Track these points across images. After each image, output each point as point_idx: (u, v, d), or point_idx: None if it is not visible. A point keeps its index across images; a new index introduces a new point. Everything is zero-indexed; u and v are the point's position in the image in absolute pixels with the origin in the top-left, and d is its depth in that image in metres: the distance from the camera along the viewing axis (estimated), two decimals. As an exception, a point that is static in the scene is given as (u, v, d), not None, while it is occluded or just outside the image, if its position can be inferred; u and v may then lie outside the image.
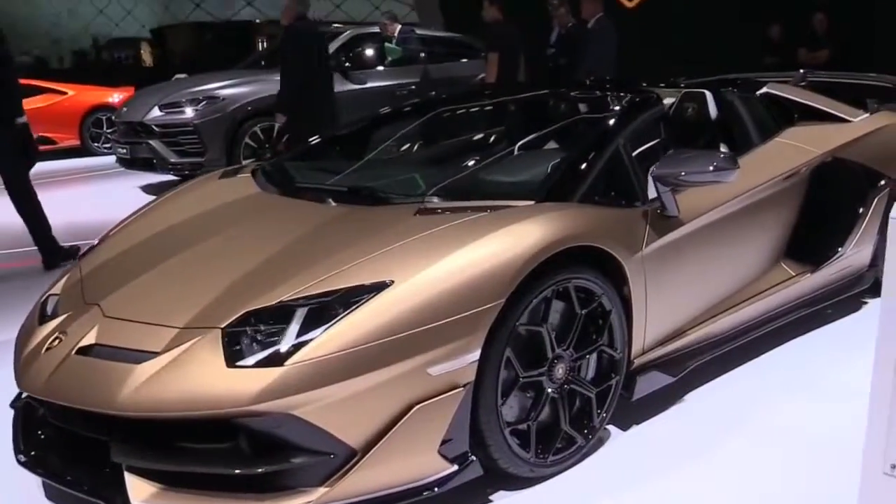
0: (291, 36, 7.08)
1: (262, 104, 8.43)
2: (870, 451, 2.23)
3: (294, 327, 2.69)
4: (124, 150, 9.08)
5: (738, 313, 3.88)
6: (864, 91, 5.41)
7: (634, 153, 3.65)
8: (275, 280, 2.91)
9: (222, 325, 2.76)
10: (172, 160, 8.65)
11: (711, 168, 3.39)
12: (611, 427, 3.46)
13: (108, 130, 12.16)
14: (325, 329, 2.66)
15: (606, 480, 3.16)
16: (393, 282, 2.77)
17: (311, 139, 4.60)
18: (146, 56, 24.32)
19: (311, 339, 2.65)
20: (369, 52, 9.97)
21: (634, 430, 3.47)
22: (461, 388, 2.81)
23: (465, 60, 10.64)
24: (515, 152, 3.98)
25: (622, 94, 4.09)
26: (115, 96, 13.05)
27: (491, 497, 3.07)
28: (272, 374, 2.59)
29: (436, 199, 3.38)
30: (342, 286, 2.80)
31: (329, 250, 3.06)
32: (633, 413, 3.53)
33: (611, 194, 3.50)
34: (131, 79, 14.61)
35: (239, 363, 2.65)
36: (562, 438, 3.20)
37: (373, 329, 2.69)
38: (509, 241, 2.95)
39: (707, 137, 4.34)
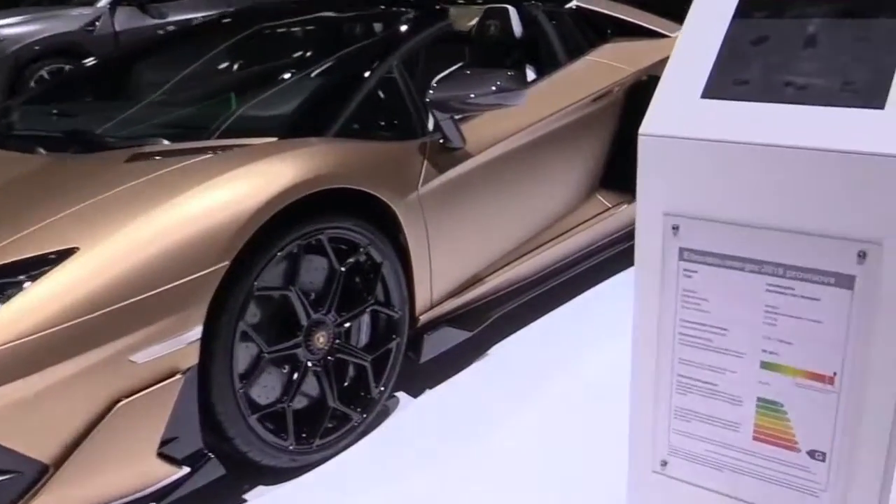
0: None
1: (50, 44, 7.51)
2: (636, 449, 1.82)
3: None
4: None
5: (547, 253, 3.45)
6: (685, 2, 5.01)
7: (427, 79, 3.11)
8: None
9: None
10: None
11: (494, 89, 2.90)
12: (400, 395, 2.99)
13: None
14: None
15: (392, 459, 2.71)
16: (78, 249, 2.19)
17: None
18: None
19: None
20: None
21: (426, 397, 3.02)
22: (180, 375, 2.27)
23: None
24: (273, 81, 3.39)
25: (402, 10, 3.54)
26: None
27: (245, 497, 2.57)
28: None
29: (160, 142, 2.78)
30: (12, 259, 2.20)
31: (15, 211, 2.44)
32: (424, 377, 3.07)
33: (380, 126, 2.98)
34: None
35: None
36: (332, 417, 2.72)
37: (52, 311, 2.11)
38: (235, 188, 2.40)
39: (513, 58, 3.85)
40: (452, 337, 3.07)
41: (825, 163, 1.56)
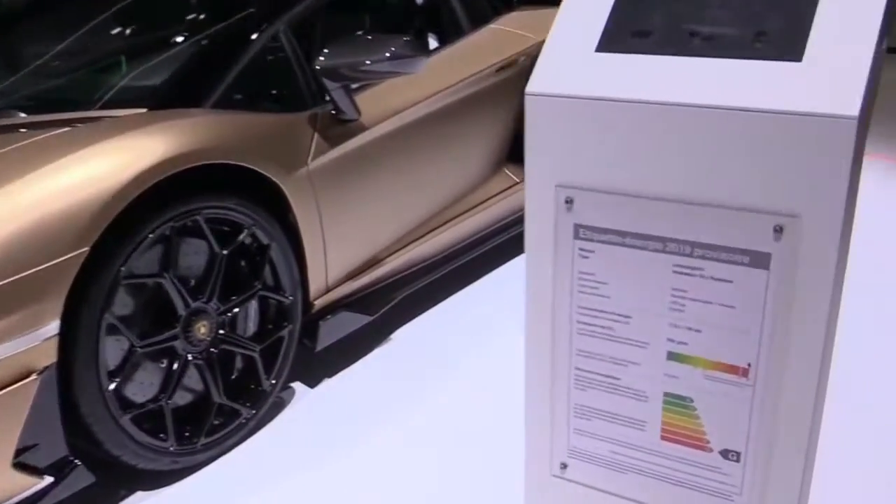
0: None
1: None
2: (533, 451, 1.56)
3: None
4: None
5: (452, 231, 3.17)
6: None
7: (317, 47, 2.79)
8: None
9: None
10: None
11: (388, 55, 2.59)
12: (296, 385, 2.69)
13: None
14: None
15: (285, 456, 2.42)
16: None
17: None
18: None
19: None
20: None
21: (324, 387, 2.73)
22: (36, 376, 1.94)
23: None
24: (149, 49, 3.01)
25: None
26: None
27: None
28: None
29: (16, 114, 2.42)
30: None
31: None
32: (322, 365, 2.77)
33: (265, 96, 2.65)
34: None
35: None
36: (218, 414, 2.41)
37: None
38: (96, 164, 2.06)
39: (414, 26, 3.54)
40: (351, 322, 2.78)
41: (736, 123, 1.30)
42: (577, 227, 1.46)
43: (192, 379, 2.39)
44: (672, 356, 1.46)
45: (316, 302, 2.65)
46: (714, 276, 1.39)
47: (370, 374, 2.78)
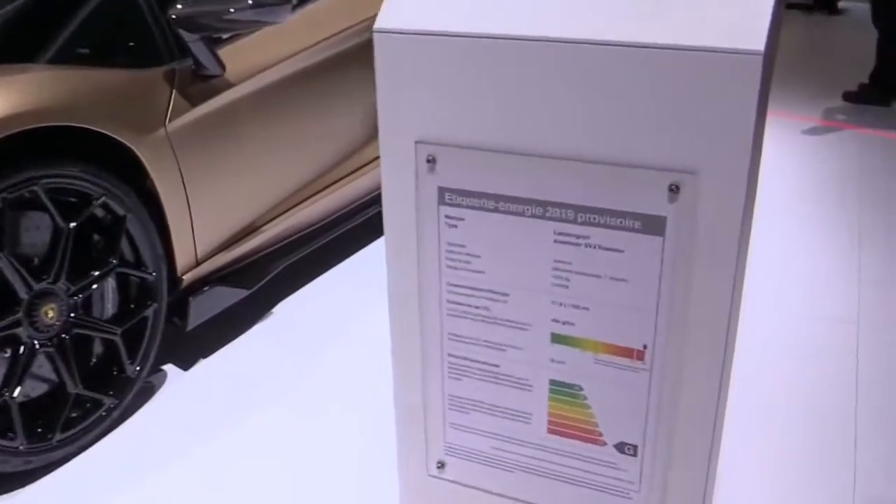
0: None
1: None
2: (406, 449, 1.29)
3: None
4: None
5: (332, 197, 2.84)
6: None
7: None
8: None
9: None
10: None
11: (250, 3, 2.24)
12: (168, 368, 2.37)
13: None
14: None
15: (155, 445, 2.10)
16: None
17: None
18: None
19: None
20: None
21: (199, 368, 2.40)
22: None
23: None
24: None
25: None
26: None
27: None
28: None
29: None
30: None
31: None
32: (197, 344, 2.45)
33: (114, 50, 2.27)
34: None
35: None
36: (76, 405, 2.07)
37: None
38: None
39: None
40: (226, 297, 2.45)
41: (624, 62, 1.03)
42: (442, 190, 1.17)
43: (44, 368, 2.04)
44: (557, 339, 1.19)
45: (184, 277, 2.32)
46: (602, 244, 1.12)
47: (249, 352, 2.46)
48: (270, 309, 2.65)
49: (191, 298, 2.34)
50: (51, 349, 2.02)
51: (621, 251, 1.11)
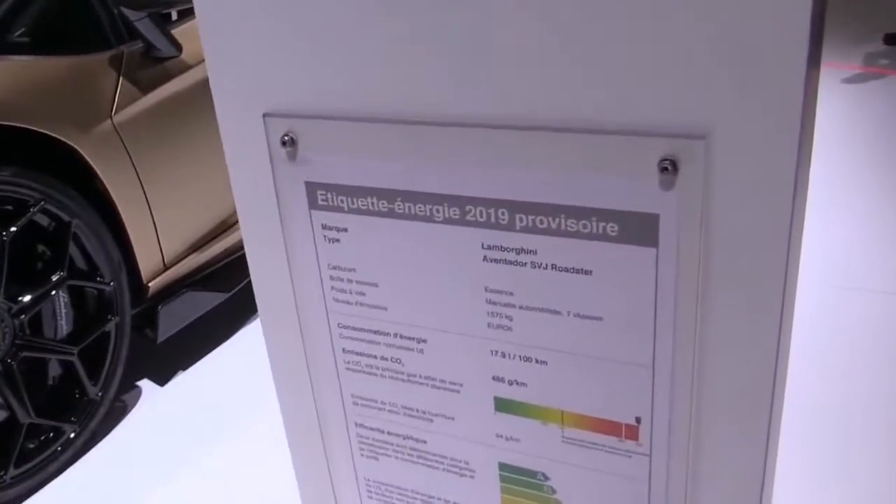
0: None
1: None
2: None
3: None
4: None
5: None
6: None
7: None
8: None
9: None
10: None
11: (197, -30, 1.73)
12: (142, 384, 1.93)
13: None
14: None
15: (125, 473, 1.66)
16: None
17: None
18: None
19: None
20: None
21: (177, 383, 1.96)
22: None
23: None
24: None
25: None
26: None
27: None
28: None
29: None
30: None
31: None
32: (173, 357, 2.00)
33: (49, 35, 1.82)
34: None
35: None
36: (31, 436, 1.66)
37: None
38: None
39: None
40: (201, 303, 2.00)
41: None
42: (312, 187, 0.67)
43: (-7, 398, 1.63)
44: (503, 405, 0.69)
45: (150, 284, 1.87)
46: (557, 263, 0.61)
47: (231, 362, 2.01)
48: (254, 313, 2.18)
49: (160, 307, 1.90)
50: (-6, 377, 1.60)
51: (588, 272, 0.60)
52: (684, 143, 0.52)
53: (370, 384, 0.73)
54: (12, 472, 1.63)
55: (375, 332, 0.70)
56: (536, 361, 0.65)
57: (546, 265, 0.61)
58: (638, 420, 0.63)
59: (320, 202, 0.67)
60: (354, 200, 0.65)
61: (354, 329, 0.71)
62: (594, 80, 0.54)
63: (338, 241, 0.68)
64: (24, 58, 1.69)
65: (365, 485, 0.78)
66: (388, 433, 0.75)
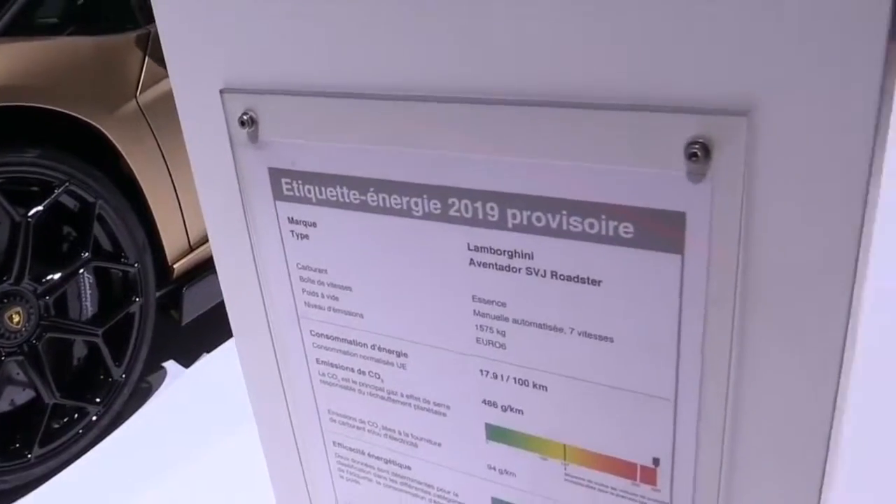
0: None
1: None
2: None
3: None
4: None
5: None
6: None
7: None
8: None
9: None
10: None
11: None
12: (168, 365, 1.85)
13: None
14: None
15: (148, 453, 1.59)
16: None
17: None
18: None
19: None
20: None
21: (202, 365, 1.87)
22: None
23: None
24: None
25: None
26: None
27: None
28: None
29: None
30: None
31: None
32: (199, 338, 1.92)
33: (74, 16, 1.73)
34: None
35: None
36: (56, 416, 1.60)
37: None
38: None
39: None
40: (229, 285, 1.89)
41: None
42: (276, 174, 0.54)
43: (17, 379, 1.56)
44: (496, 434, 0.55)
45: (176, 266, 1.78)
46: (559, 270, 0.47)
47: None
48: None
49: (185, 289, 1.81)
50: (20, 357, 1.53)
51: (596, 283, 0.46)
52: (720, 121, 0.37)
53: (347, 400, 0.60)
54: (37, 451, 1.57)
55: (351, 343, 0.57)
56: (534, 386, 0.51)
57: (544, 272, 0.47)
58: (656, 461, 0.49)
59: (286, 192, 0.54)
60: (323, 190, 0.52)
61: (328, 338, 0.58)
62: (602, 39, 0.40)
63: (306, 237, 0.55)
64: (50, 39, 1.60)
65: (347, 509, 0.66)
66: (369, 455, 0.62)
